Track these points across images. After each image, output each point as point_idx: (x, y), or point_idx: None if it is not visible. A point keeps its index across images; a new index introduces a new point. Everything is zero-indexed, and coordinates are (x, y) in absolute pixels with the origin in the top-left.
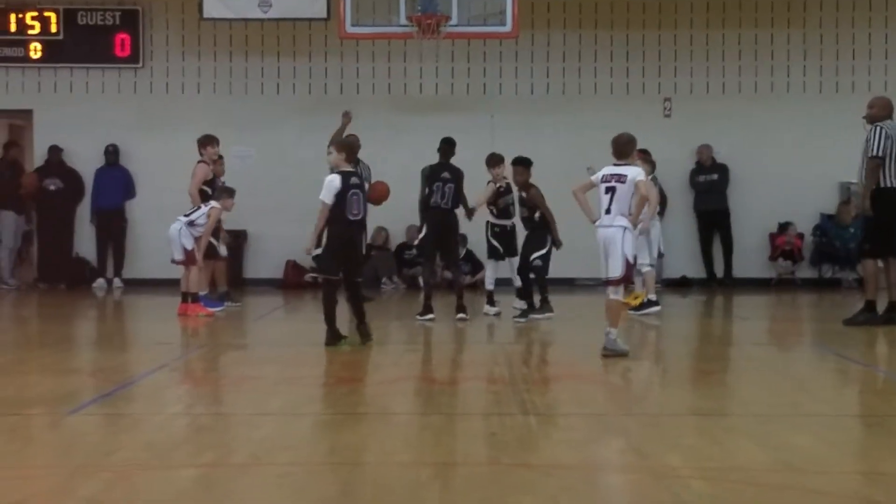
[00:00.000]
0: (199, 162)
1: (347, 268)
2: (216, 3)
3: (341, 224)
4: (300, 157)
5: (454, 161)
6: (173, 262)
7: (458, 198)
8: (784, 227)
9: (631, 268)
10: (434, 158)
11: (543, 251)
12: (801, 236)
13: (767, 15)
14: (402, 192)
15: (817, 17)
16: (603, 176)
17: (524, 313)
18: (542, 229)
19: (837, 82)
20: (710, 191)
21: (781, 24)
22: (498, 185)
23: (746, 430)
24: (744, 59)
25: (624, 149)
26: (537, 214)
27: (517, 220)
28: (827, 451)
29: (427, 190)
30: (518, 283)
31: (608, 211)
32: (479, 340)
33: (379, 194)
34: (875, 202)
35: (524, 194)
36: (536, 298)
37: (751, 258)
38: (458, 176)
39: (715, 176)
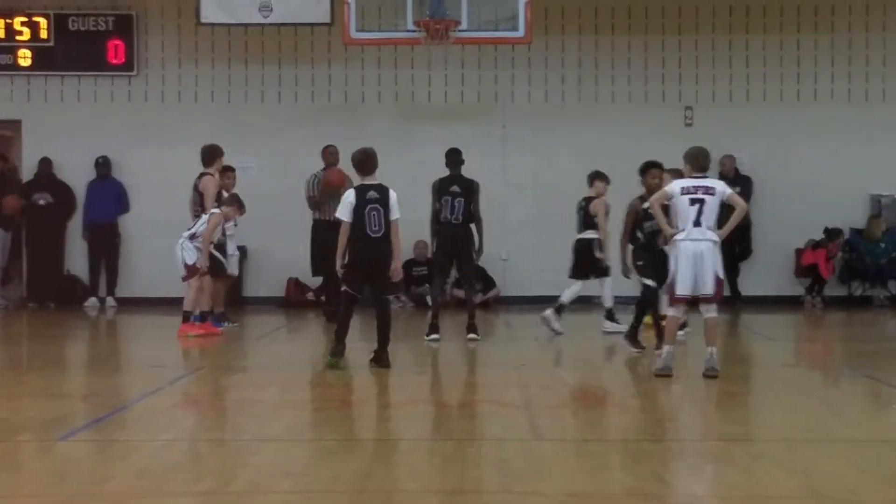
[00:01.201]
0: (204, 175)
1: (373, 285)
2: (214, 8)
3: (360, 241)
4: (303, 168)
5: (465, 171)
6: (183, 279)
7: (470, 211)
8: (834, 233)
9: (722, 284)
10: (443, 170)
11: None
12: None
13: (793, 19)
14: (410, 205)
15: (846, 21)
16: (685, 188)
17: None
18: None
19: (867, 90)
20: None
21: (808, 28)
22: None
23: (774, 456)
24: (769, 65)
25: (704, 162)
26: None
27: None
28: (858, 478)
29: (437, 204)
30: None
31: (697, 223)
32: (490, 362)
33: (330, 182)
34: None
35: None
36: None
37: (774, 274)
38: (469, 189)
39: (738, 188)
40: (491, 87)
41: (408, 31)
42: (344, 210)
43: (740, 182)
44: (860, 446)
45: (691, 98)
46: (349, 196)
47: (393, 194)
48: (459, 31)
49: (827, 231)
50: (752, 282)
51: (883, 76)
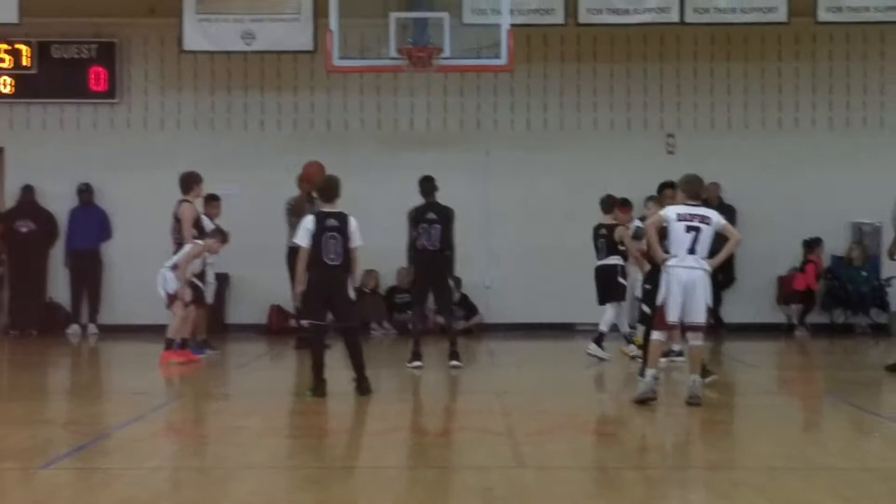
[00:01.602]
0: (182, 202)
1: (333, 314)
2: (197, 36)
3: (318, 268)
4: (286, 195)
5: (441, 198)
6: (167, 307)
7: (447, 238)
8: (814, 242)
9: (709, 314)
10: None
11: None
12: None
13: (775, 47)
14: (394, 232)
15: (827, 49)
16: (680, 215)
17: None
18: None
19: (848, 117)
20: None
21: (789, 56)
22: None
23: (756, 484)
24: (750, 93)
25: (699, 190)
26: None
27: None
28: None
29: (414, 232)
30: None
31: (692, 251)
32: (472, 389)
33: (308, 175)
34: None
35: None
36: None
37: (757, 303)
38: (445, 216)
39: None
40: (473, 114)
41: (390, 58)
42: (302, 236)
43: (724, 210)
44: (842, 475)
45: (673, 125)
46: (308, 222)
47: (353, 222)
48: (442, 58)
49: (806, 243)
50: (735, 309)
51: (864, 104)
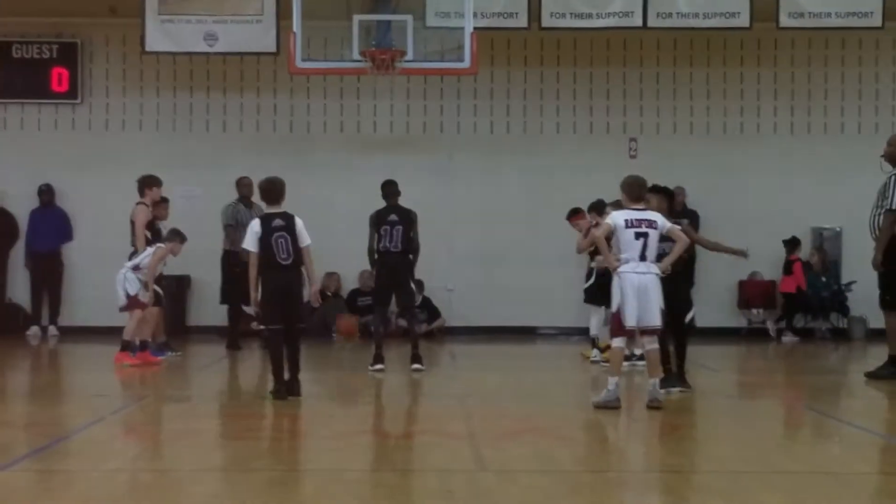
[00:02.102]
0: (137, 204)
1: (286, 314)
2: (159, 37)
3: (272, 269)
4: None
5: (404, 202)
6: (120, 309)
7: (409, 240)
8: (794, 243)
9: (664, 317)
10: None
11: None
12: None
13: (737, 53)
14: (356, 234)
15: (789, 55)
16: (629, 221)
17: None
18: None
19: (810, 123)
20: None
21: (751, 62)
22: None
23: (716, 488)
24: (712, 98)
25: (641, 192)
26: None
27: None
28: None
29: (375, 235)
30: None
31: (643, 258)
32: (434, 393)
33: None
34: (889, 253)
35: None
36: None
37: (718, 307)
38: (407, 217)
39: (686, 221)
40: (437, 117)
41: (354, 61)
42: (250, 240)
43: (688, 215)
44: (802, 478)
45: (636, 130)
46: (254, 226)
47: (299, 221)
48: (405, 61)
49: (788, 243)
50: (697, 314)
51: (825, 110)
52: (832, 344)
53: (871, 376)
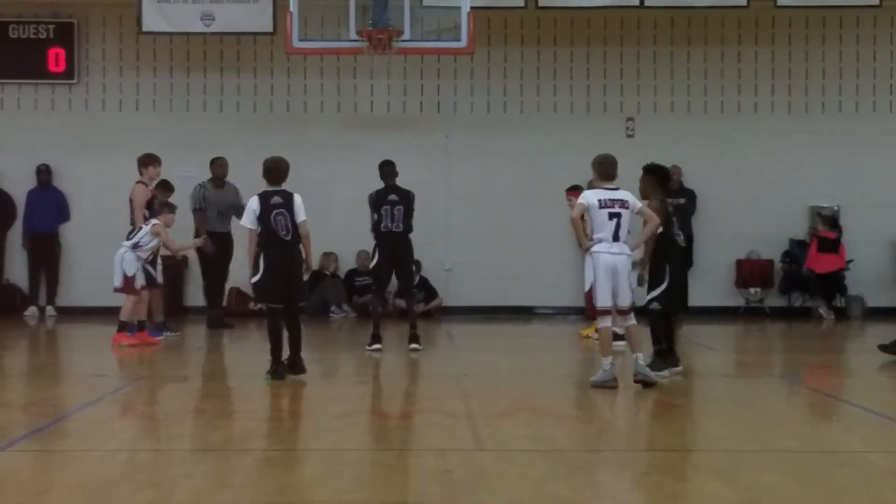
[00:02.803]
0: (137, 182)
1: (286, 292)
2: (156, 17)
3: (273, 246)
4: (246, 177)
5: (401, 181)
6: (115, 289)
7: (409, 220)
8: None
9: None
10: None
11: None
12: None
13: (734, 32)
14: (353, 215)
15: (786, 34)
16: (602, 201)
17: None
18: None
19: (807, 102)
20: (679, 215)
21: (749, 41)
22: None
23: (714, 467)
24: (710, 77)
25: (613, 171)
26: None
27: None
28: (797, 489)
29: (376, 215)
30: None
31: (616, 238)
32: (432, 372)
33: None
34: None
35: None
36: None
37: (716, 286)
38: (407, 198)
39: (682, 200)
40: (433, 97)
41: (350, 40)
42: (248, 218)
43: (684, 194)
44: (800, 457)
45: (633, 109)
46: (252, 203)
47: (297, 198)
48: (402, 41)
49: (825, 218)
50: (695, 293)
51: (823, 89)
52: (830, 322)
53: (884, 349)
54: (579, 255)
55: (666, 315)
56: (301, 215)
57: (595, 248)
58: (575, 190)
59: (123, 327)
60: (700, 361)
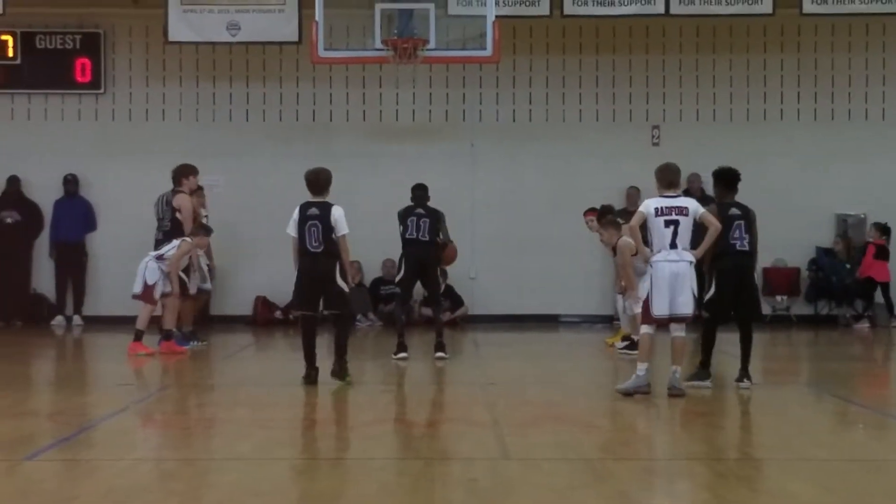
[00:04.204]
0: (177, 192)
1: (324, 301)
2: (182, 27)
3: (304, 256)
4: (271, 186)
5: (434, 190)
6: (133, 296)
7: (436, 231)
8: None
9: (698, 304)
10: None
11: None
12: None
13: (760, 39)
14: (378, 224)
15: (812, 41)
16: (659, 209)
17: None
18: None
19: (833, 109)
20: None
21: (774, 48)
22: None
23: (740, 475)
24: (735, 85)
25: (675, 178)
26: None
27: None
28: (824, 498)
29: (402, 227)
30: None
31: (674, 245)
32: (458, 380)
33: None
34: None
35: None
36: None
37: None
38: (434, 214)
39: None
40: (459, 106)
41: (376, 49)
42: (290, 226)
43: (706, 202)
44: (826, 465)
45: (658, 117)
46: (294, 213)
47: (336, 210)
48: (427, 50)
49: (879, 226)
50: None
51: (849, 96)
52: (856, 331)
53: None
54: (605, 263)
55: (713, 325)
56: (339, 229)
57: (654, 257)
58: (592, 212)
59: (168, 336)
60: (726, 370)
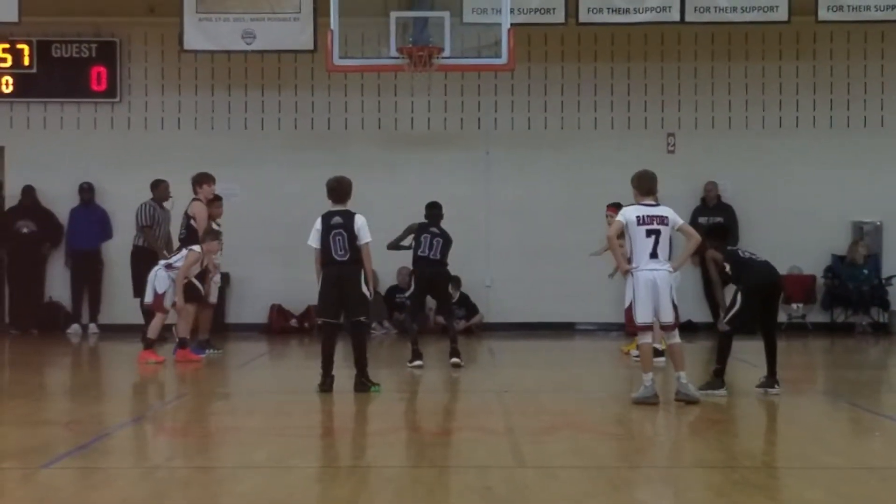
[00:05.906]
0: (194, 200)
1: (345, 309)
2: (197, 35)
3: (328, 265)
4: (286, 194)
5: (442, 198)
6: (142, 305)
7: (446, 254)
8: None
9: (677, 311)
10: (425, 198)
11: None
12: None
13: (775, 47)
14: (393, 232)
15: (827, 49)
16: (641, 217)
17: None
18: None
19: (849, 117)
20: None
21: (790, 56)
22: None
23: (756, 484)
24: (751, 92)
25: (654, 185)
26: None
27: None
28: None
29: (415, 243)
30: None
31: (654, 255)
32: (473, 388)
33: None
34: None
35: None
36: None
37: None
38: (447, 237)
39: (719, 218)
40: (474, 114)
41: (391, 58)
42: (313, 237)
43: (721, 210)
44: (842, 474)
45: (674, 125)
46: (316, 223)
47: (359, 219)
48: (442, 58)
49: None
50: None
51: (865, 103)
52: (872, 338)
53: None
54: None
55: (731, 338)
56: (363, 237)
57: (633, 266)
58: (615, 207)
59: (184, 344)
60: (741, 377)
